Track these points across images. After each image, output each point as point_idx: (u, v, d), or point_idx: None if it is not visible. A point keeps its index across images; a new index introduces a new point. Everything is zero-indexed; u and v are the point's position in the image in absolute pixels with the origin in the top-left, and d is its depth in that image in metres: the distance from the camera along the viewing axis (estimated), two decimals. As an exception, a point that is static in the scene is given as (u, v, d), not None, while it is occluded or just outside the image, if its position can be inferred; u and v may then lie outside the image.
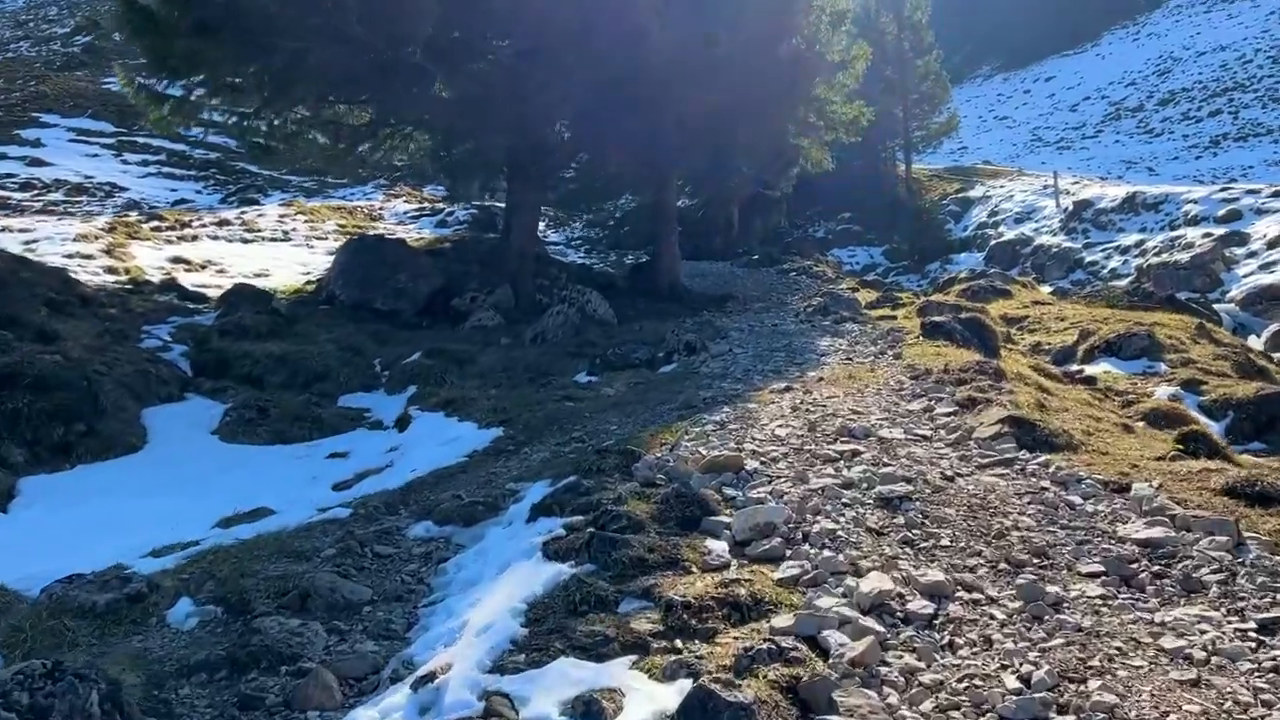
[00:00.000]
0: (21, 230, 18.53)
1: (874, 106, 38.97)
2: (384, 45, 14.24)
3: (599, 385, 10.22)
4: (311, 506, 6.86)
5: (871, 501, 5.17)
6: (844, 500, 5.18)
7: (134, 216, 20.95)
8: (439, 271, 17.68)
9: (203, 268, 18.39)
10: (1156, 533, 4.49)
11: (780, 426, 6.97)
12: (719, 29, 17.04)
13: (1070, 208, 32.41)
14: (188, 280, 17.22)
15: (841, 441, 6.44)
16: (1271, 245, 24.40)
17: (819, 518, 4.94)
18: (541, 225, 31.22)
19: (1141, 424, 10.02)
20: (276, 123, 17.01)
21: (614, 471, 5.86)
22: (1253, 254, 24.99)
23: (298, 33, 13.74)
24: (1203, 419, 11.33)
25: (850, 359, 10.74)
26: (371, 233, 22.52)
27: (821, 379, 9.38)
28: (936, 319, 12.00)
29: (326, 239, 21.97)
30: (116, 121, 41.70)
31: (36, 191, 32.85)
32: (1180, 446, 6.13)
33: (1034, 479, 5.49)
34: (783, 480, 5.60)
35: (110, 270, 16.53)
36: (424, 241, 20.93)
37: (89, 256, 17.10)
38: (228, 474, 8.53)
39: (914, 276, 33.99)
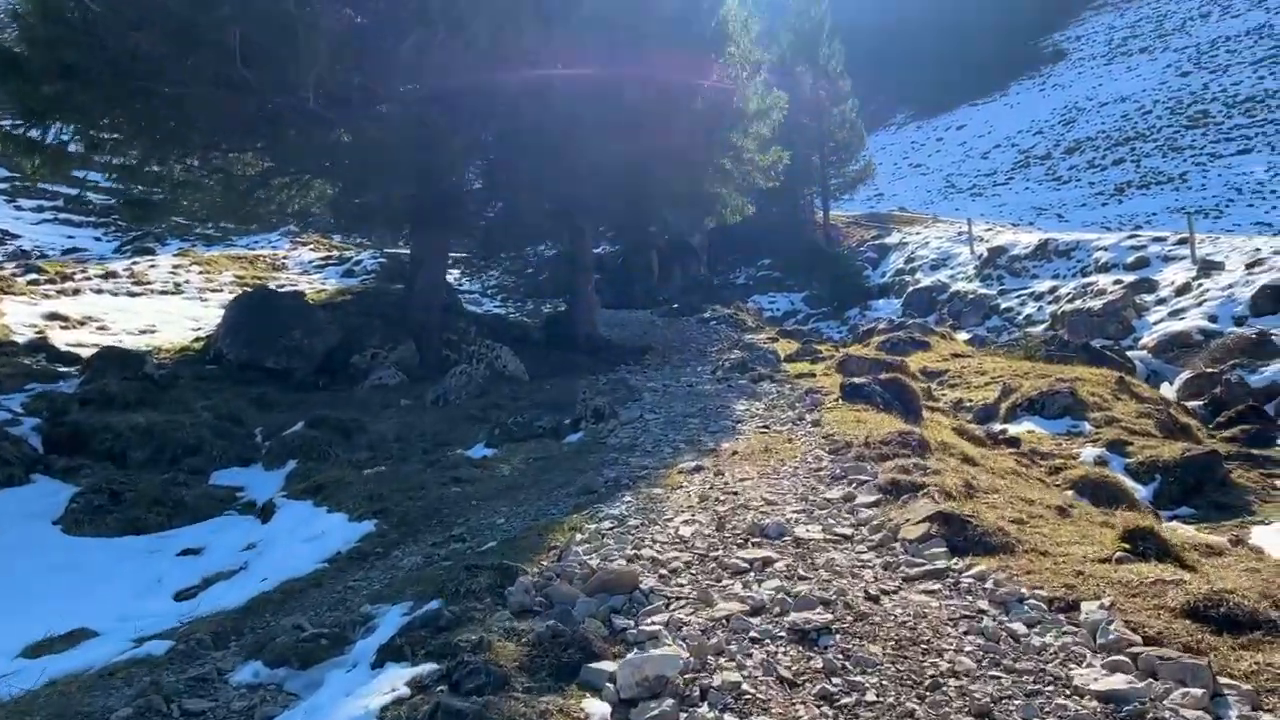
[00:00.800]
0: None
1: (791, 153, 39.07)
2: (272, 90, 13.24)
3: (496, 461, 9.27)
4: (138, 629, 5.76)
5: (785, 635, 4.33)
6: (753, 634, 4.33)
7: (9, 269, 19.39)
8: (337, 326, 16.57)
9: (81, 324, 16.97)
10: (1118, 682, 3.73)
11: (686, 523, 6.12)
12: (633, 79, 16.43)
13: (985, 254, 32.57)
14: (62, 339, 15.81)
15: (753, 545, 5.61)
16: (1180, 292, 24.58)
17: (721, 661, 4.08)
18: (456, 273, 30.24)
19: (1073, 495, 9.44)
20: (161, 173, 15.85)
21: (486, 594, 4.92)
22: (1162, 300, 25.14)
23: (176, 76, 12.68)
24: (1130, 482, 10.85)
25: (767, 426, 9.99)
26: (273, 284, 21.28)
27: (735, 452, 8.59)
28: (856, 380, 11.35)
29: (222, 291, 20.65)
30: (9, 166, 39.62)
31: (-81, 240, 30.84)
32: (1126, 546, 5.44)
33: (969, 598, 4.71)
34: (683, 604, 4.74)
35: (-29, 329, 15.08)
36: (325, 294, 19.78)
37: (-51, 314, 15.62)
38: (58, 577, 7.35)
39: (834, 323, 33.76)
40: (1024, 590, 4.72)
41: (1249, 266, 23.45)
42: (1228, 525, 9.60)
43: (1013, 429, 12.73)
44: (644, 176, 18.90)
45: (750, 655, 4.14)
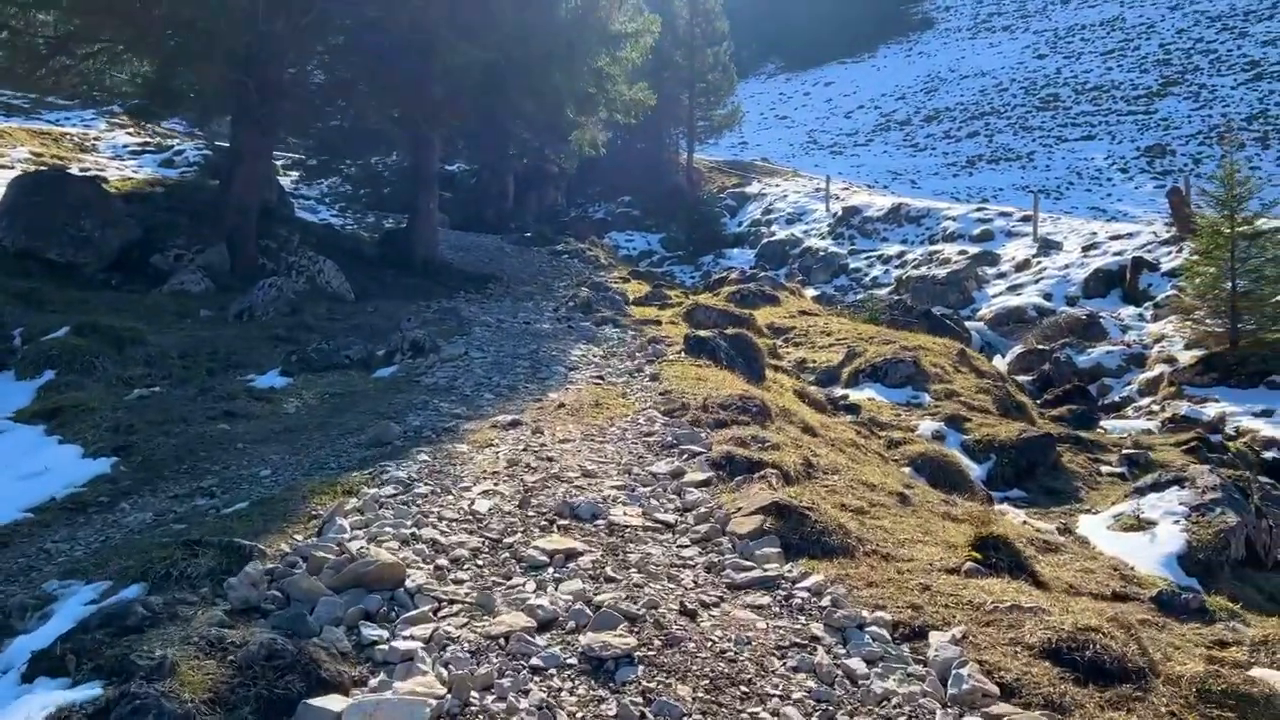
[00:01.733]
0: None
1: (661, 90, 37.89)
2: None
3: (284, 394, 7.99)
4: None
5: (575, 664, 3.41)
6: (536, 661, 3.39)
7: None
8: (137, 222, 14.59)
9: None
10: (975, 756, 2.99)
11: (485, 494, 5.12)
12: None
13: (839, 213, 32.53)
14: None
15: (559, 529, 4.67)
16: (1019, 268, 25.03)
17: (489, 702, 3.13)
18: (294, 176, 27.85)
19: (912, 473, 8.96)
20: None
21: (204, 581, 3.80)
22: (1002, 274, 25.58)
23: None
24: (966, 460, 10.53)
25: (602, 377, 9.05)
26: (75, 167, 18.78)
27: (563, 405, 7.63)
28: (701, 334, 10.54)
29: (14, 169, 18.04)
30: None
31: None
32: (977, 556, 4.78)
33: (803, 618, 3.92)
34: (457, 611, 3.75)
35: None
36: (133, 183, 17.52)
37: None
38: None
39: (688, 268, 33.15)
40: (864, 613, 3.95)
41: (1085, 249, 24.03)
42: (1056, 511, 9.35)
43: (854, 395, 12.28)
44: (499, 89, 17.45)
45: (527, 693, 3.20)
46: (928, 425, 11.19)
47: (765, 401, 8.28)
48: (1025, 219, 27.59)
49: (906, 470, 9.12)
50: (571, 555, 4.35)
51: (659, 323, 13.18)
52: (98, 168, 19.40)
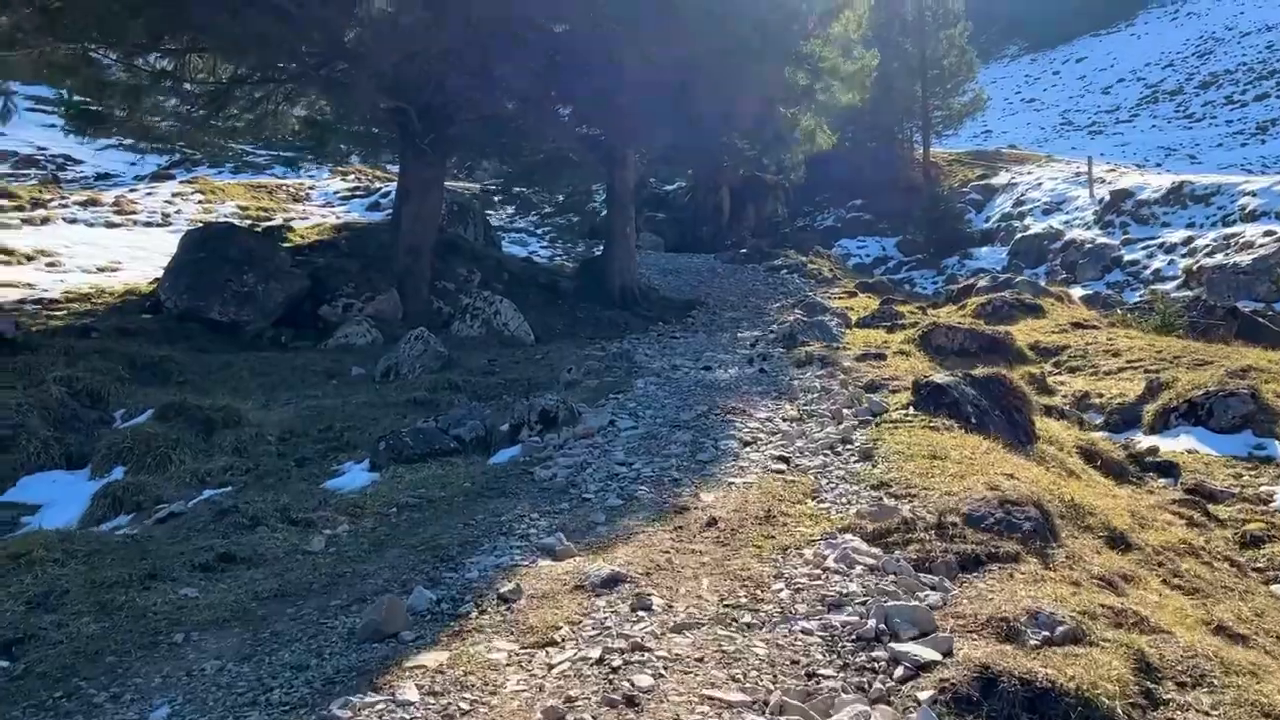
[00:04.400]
0: None
1: (890, 83, 33.92)
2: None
3: (350, 502, 5.67)
4: None
5: None
6: None
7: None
8: (306, 271, 13.17)
9: (27, 260, 14.02)
10: None
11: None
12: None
13: (1106, 198, 27.35)
14: (-8, 278, 12.93)
15: None
16: (1357, 248, 19.40)
17: None
18: (510, 210, 26.64)
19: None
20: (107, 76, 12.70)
21: None
22: (1331, 258, 20.04)
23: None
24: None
25: (788, 458, 6.10)
26: (279, 218, 18.05)
27: (713, 522, 4.81)
28: (938, 379, 7.29)
29: (187, 224, 17.53)
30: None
31: (-20, 163, 28.91)
32: None
33: None
34: None
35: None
36: (320, 229, 16.40)
37: None
38: None
39: (929, 272, 29.07)
40: None
41: None
42: None
43: (1166, 445, 8.52)
44: (695, 92, 14.81)
45: None
46: (1294, 498, 7.33)
47: (1041, 503, 5.04)
48: (1357, 186, 21.62)
49: (1284, 596, 5.51)
50: None
51: (883, 355, 9.97)
52: (300, 216, 18.64)
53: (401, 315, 13.14)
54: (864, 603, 3.72)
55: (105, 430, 8.18)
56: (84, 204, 16.80)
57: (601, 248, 17.73)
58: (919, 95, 36.31)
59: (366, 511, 5.53)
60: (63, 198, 17.08)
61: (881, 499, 5.05)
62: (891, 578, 3.99)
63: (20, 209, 15.82)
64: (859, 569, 4.10)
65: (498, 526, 5.02)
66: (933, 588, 3.90)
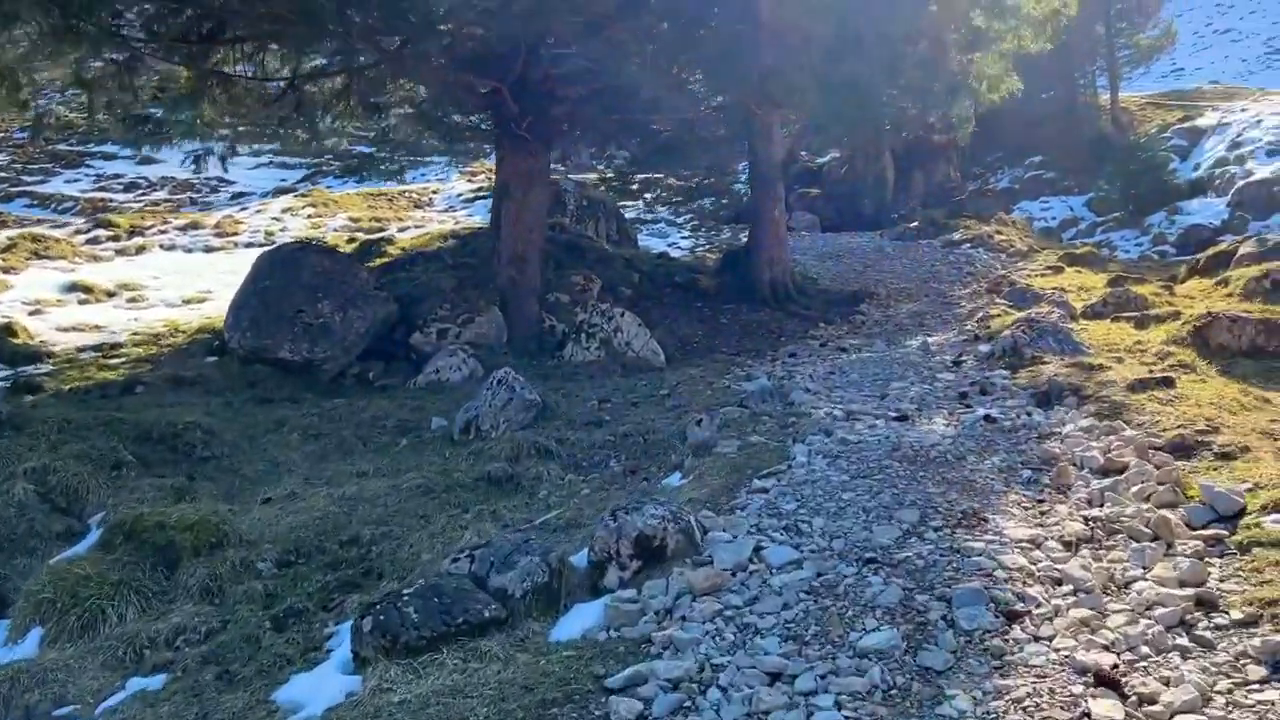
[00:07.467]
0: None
1: (1066, 25, 28.91)
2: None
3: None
4: None
5: None
6: None
7: (78, 224, 15.17)
8: (393, 292, 10.75)
9: (109, 296, 12.31)
10: None
11: None
12: None
13: (1362, 130, 21.83)
14: (59, 319, 11.21)
15: None
16: None
17: None
18: (648, 198, 23.82)
19: None
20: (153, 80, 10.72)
21: None
22: None
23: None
24: None
25: (1111, 674, 2.94)
26: (393, 227, 15.88)
27: None
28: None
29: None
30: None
31: (141, 191, 28.79)
32: None
33: None
34: None
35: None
36: (426, 238, 14.02)
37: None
38: None
39: (1130, 232, 24.20)
40: None
41: None
42: None
43: None
44: (850, 44, 11.50)
45: None
46: None
47: None
48: None
49: None
50: None
51: (1169, 380, 6.45)
52: (418, 224, 16.42)
53: (506, 339, 10.54)
54: None
55: (67, 543, 5.86)
56: (184, 228, 15.16)
57: (746, 234, 14.79)
58: (1101, 34, 30.98)
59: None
60: (164, 223, 15.51)
61: None
62: None
63: (116, 239, 14.27)
64: None
65: None
66: None
